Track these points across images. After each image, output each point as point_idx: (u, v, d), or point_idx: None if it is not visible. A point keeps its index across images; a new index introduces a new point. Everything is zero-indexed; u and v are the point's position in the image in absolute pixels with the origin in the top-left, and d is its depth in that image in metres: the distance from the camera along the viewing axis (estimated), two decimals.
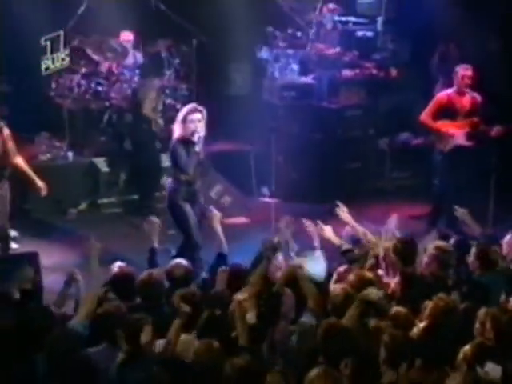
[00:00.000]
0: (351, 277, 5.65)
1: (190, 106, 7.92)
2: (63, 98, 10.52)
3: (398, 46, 11.45)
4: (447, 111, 8.96)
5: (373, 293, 5.29)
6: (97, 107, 10.73)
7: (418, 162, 10.60)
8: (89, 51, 10.70)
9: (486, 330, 4.85)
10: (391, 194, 10.44)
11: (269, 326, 5.22)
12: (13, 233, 8.54)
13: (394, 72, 11.25)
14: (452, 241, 6.89)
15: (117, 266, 6.33)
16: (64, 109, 10.55)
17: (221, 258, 7.10)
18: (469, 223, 7.00)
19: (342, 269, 6.25)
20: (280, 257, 6.22)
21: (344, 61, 11.13)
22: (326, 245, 6.67)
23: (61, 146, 10.52)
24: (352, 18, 11.41)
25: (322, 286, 5.79)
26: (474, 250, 6.25)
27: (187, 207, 7.81)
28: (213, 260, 7.14)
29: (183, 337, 5.10)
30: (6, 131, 8.04)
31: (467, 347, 4.60)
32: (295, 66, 11.13)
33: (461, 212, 7.09)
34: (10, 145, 8.04)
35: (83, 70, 10.62)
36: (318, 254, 6.57)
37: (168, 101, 10.76)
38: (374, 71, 11.21)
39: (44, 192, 8.22)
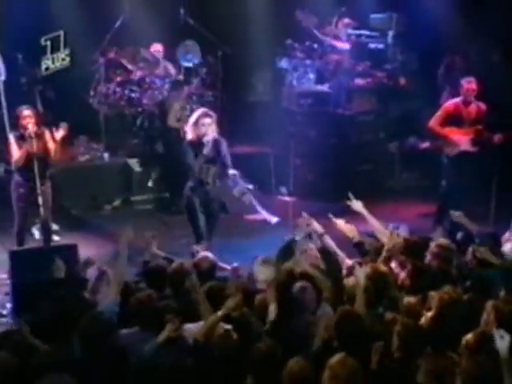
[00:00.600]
0: (367, 269, 5.63)
1: (201, 110, 7.98)
2: (100, 104, 10.60)
3: (406, 57, 11.40)
4: (454, 119, 8.90)
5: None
6: (130, 113, 10.80)
7: (425, 164, 10.54)
8: (123, 61, 10.76)
9: (490, 320, 4.80)
10: (400, 193, 10.41)
11: (290, 317, 5.19)
12: (54, 226, 8.59)
13: (402, 81, 11.21)
14: (459, 236, 6.88)
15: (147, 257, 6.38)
16: (101, 114, 10.63)
17: None
18: (465, 224, 6.94)
19: (350, 262, 6.23)
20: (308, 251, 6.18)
21: (357, 70, 11.08)
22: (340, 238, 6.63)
23: (98, 147, 10.61)
24: (365, 32, 11.34)
25: (336, 280, 5.76)
26: (470, 249, 6.20)
27: (196, 204, 7.82)
28: None
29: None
30: (47, 134, 8.10)
31: (470, 335, 4.58)
32: (312, 75, 11.09)
33: (457, 215, 7.03)
34: (51, 146, 8.07)
35: (118, 78, 10.68)
36: None
37: (195, 106, 10.74)
38: (385, 80, 11.17)
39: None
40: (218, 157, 7.88)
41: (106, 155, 10.55)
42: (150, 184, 10.54)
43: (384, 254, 6.12)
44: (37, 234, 8.44)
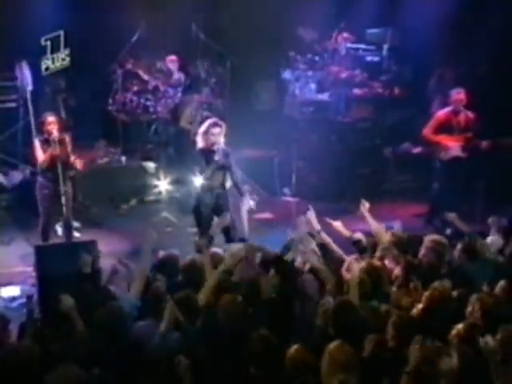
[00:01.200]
0: (363, 264, 5.67)
1: (211, 120, 7.88)
2: (118, 111, 10.61)
3: (400, 69, 11.40)
4: (445, 127, 8.92)
5: None
6: (145, 119, 10.82)
7: (417, 167, 10.51)
8: (139, 72, 10.79)
9: (474, 312, 4.83)
10: (395, 194, 10.38)
11: (290, 303, 5.22)
12: (76, 224, 8.59)
13: (397, 91, 11.21)
14: (448, 231, 6.90)
15: (161, 252, 6.39)
16: (118, 120, 10.63)
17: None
18: (457, 223, 6.97)
19: (350, 258, 6.27)
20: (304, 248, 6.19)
21: (355, 81, 11.11)
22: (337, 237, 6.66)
23: (115, 151, 10.60)
24: (362, 46, 11.37)
25: (336, 274, 5.77)
26: (459, 245, 6.23)
27: (203, 210, 7.73)
28: None
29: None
30: (67, 139, 8.13)
31: (460, 325, 4.58)
32: (313, 85, 11.12)
33: (450, 216, 7.06)
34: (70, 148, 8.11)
35: (135, 88, 10.71)
36: None
37: (205, 114, 10.79)
38: (381, 90, 11.18)
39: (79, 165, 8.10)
40: (226, 164, 7.80)
41: (123, 158, 10.56)
42: (163, 185, 10.55)
43: (380, 250, 6.16)
44: (59, 230, 8.43)
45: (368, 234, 6.74)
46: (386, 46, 11.26)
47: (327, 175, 10.28)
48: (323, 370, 4.13)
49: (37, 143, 8.03)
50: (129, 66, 10.66)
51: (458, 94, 8.87)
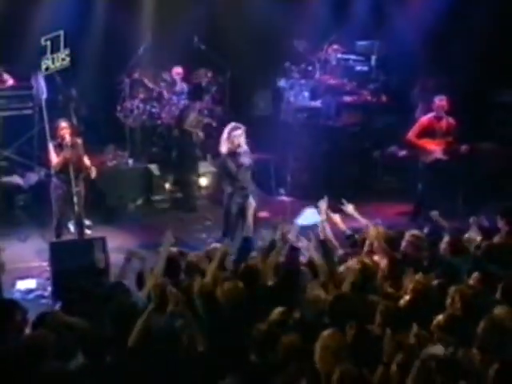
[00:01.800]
0: (353, 261, 5.71)
1: (231, 125, 7.78)
2: (126, 117, 10.62)
3: (387, 78, 11.37)
4: (428, 132, 8.96)
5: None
6: (151, 125, 10.81)
7: (403, 169, 10.52)
8: (146, 81, 10.79)
9: (455, 303, 4.84)
10: (382, 194, 10.41)
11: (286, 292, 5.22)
12: (87, 222, 8.62)
13: (384, 98, 11.18)
14: (426, 229, 6.94)
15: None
16: (126, 126, 10.64)
17: (246, 242, 7.12)
18: (439, 220, 7.01)
19: (342, 252, 6.32)
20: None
21: (345, 89, 11.08)
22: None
23: (123, 155, 10.58)
24: (352, 56, 11.35)
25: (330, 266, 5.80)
26: (446, 238, 6.26)
27: (233, 209, 7.67)
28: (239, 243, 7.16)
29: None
30: (79, 143, 8.17)
31: (440, 316, 4.59)
32: (306, 93, 11.07)
33: (433, 213, 7.11)
34: (82, 153, 8.17)
35: (141, 96, 10.71)
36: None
37: (206, 120, 10.83)
38: (369, 97, 11.15)
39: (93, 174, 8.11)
40: (250, 166, 7.76)
41: (130, 161, 10.55)
42: (167, 186, 10.57)
43: (367, 245, 6.21)
44: (72, 228, 8.43)
45: (356, 230, 6.79)
46: (373, 57, 11.25)
47: (319, 176, 10.26)
48: (316, 356, 4.15)
49: (51, 147, 8.07)
50: (136, 76, 10.67)
51: (441, 101, 8.92)
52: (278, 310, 4.80)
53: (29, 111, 9.72)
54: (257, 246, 6.89)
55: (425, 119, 9.09)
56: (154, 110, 10.70)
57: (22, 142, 9.64)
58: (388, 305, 4.75)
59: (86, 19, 10.59)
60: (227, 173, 7.75)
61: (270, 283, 5.38)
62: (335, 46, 11.05)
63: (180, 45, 10.84)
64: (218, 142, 10.78)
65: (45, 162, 8.65)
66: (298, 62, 11.11)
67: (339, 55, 11.15)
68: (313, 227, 6.57)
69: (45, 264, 7.49)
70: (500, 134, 10.90)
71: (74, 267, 6.57)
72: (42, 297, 7.12)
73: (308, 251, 6.01)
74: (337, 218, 6.74)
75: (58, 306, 5.74)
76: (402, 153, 10.75)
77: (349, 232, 6.70)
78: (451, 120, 8.97)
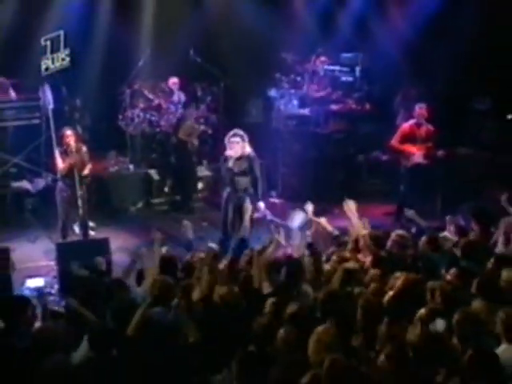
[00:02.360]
0: (334, 257, 5.74)
1: (232, 131, 7.76)
2: (127, 126, 10.59)
3: (370, 87, 11.41)
4: (409, 138, 9.00)
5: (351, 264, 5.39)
6: (150, 132, 10.77)
7: (386, 172, 10.54)
8: (145, 92, 10.78)
9: (436, 297, 4.84)
10: (367, 196, 10.37)
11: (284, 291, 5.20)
12: (91, 223, 8.64)
13: (368, 106, 11.21)
14: (413, 230, 6.96)
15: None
16: (127, 134, 10.63)
17: (243, 242, 7.11)
18: (416, 220, 7.03)
19: (329, 251, 6.34)
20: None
21: (332, 98, 11.11)
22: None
23: (124, 160, 10.59)
24: (337, 67, 11.38)
25: (317, 265, 5.82)
26: (424, 237, 6.29)
27: (229, 208, 7.64)
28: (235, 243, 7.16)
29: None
30: (83, 149, 8.18)
31: (422, 310, 4.59)
32: (296, 102, 11.08)
33: (410, 212, 7.12)
34: (86, 158, 8.20)
35: (141, 105, 10.69)
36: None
37: (201, 127, 10.84)
38: (354, 106, 11.16)
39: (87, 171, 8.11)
40: (250, 171, 7.65)
41: (131, 167, 10.56)
42: (166, 189, 10.59)
43: (351, 242, 6.22)
44: (77, 229, 8.45)
45: (343, 230, 6.81)
46: (358, 68, 11.31)
47: (308, 180, 10.28)
48: (310, 349, 4.15)
49: (57, 153, 8.10)
50: (136, 87, 10.66)
51: (421, 109, 8.97)
52: (271, 300, 4.80)
53: (37, 121, 9.71)
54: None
55: (406, 126, 9.13)
56: (153, 118, 10.68)
57: (31, 150, 9.63)
58: (369, 298, 4.76)
59: (88, 36, 10.63)
60: (223, 176, 7.76)
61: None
62: (322, 58, 11.06)
63: (177, 57, 10.83)
64: (213, 148, 10.97)
65: (51, 168, 8.66)
66: (287, 73, 11.14)
67: (326, 66, 11.16)
68: (301, 228, 6.60)
69: (52, 263, 7.51)
70: (477, 139, 10.98)
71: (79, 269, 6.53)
72: (50, 294, 7.09)
73: (297, 250, 6.03)
74: (323, 220, 6.75)
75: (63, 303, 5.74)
76: (385, 157, 10.79)
77: (336, 232, 6.71)
78: (430, 127, 9.03)
